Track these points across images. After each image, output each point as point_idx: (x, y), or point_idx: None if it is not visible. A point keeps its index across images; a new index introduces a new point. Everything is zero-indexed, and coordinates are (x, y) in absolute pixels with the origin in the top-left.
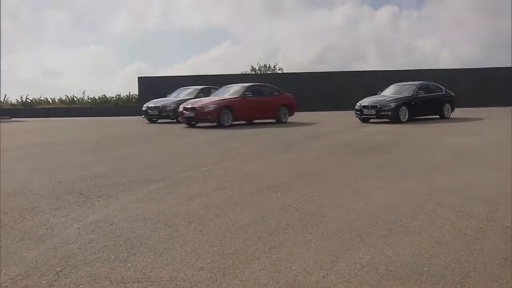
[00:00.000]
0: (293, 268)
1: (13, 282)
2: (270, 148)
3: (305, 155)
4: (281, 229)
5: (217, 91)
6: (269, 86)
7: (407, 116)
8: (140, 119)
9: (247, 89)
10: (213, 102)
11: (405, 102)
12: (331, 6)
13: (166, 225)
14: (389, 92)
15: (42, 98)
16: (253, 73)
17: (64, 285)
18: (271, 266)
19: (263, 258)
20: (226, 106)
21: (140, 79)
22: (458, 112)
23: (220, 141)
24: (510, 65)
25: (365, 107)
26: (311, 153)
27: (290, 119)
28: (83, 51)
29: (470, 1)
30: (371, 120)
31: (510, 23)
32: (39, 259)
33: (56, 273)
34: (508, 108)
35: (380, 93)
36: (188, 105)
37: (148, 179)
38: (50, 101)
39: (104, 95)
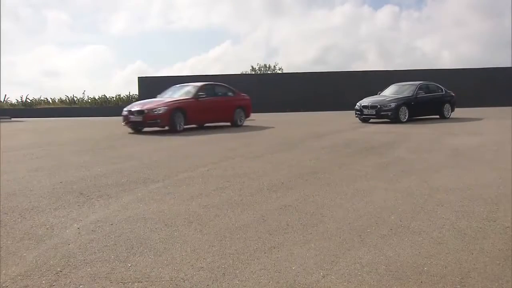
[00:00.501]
0: (293, 268)
1: (13, 282)
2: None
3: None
4: (281, 229)
5: (166, 92)
6: (223, 85)
7: (407, 116)
8: None
9: (200, 88)
10: (164, 104)
11: (405, 102)
12: (331, 6)
13: (166, 225)
14: (389, 92)
15: (42, 98)
16: (253, 73)
17: (64, 285)
18: (271, 266)
19: (263, 258)
20: (177, 108)
21: (140, 79)
22: (459, 112)
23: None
24: (510, 65)
25: (365, 107)
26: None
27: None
28: (83, 51)
29: (471, 1)
30: (371, 120)
31: (510, 23)
32: (39, 259)
33: (56, 273)
34: (508, 108)
35: (380, 93)
36: (134, 107)
37: (148, 179)
38: (50, 101)
39: (104, 95)
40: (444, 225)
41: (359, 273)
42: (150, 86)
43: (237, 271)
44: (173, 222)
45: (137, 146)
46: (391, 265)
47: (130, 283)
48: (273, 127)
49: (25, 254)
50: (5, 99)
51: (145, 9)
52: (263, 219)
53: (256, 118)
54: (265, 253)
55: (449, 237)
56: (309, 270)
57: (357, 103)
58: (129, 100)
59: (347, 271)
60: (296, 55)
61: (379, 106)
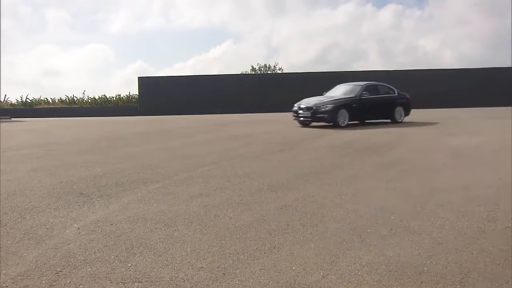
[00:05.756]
0: (293, 268)
1: (13, 282)
2: None
3: None
4: (281, 229)
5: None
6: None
7: (347, 119)
8: (141, 118)
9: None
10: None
11: (345, 104)
12: (334, 5)
13: (166, 225)
14: (335, 93)
15: (42, 98)
16: (253, 73)
17: (64, 285)
18: (271, 266)
19: (263, 258)
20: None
21: (140, 79)
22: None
23: None
24: (510, 65)
25: (301, 108)
26: None
27: None
28: (83, 51)
29: (471, 0)
30: (313, 124)
31: (510, 23)
32: (39, 259)
33: (56, 273)
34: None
35: (325, 93)
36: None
37: (148, 179)
38: (50, 101)
39: (104, 95)
40: (444, 225)
41: (359, 273)
42: (150, 86)
43: (237, 271)
44: (173, 222)
45: (137, 146)
46: (391, 265)
47: (130, 283)
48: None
49: (25, 254)
50: (5, 99)
51: (145, 9)
52: (263, 219)
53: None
54: (265, 253)
55: (449, 237)
56: (309, 270)
57: (295, 104)
58: (129, 100)
59: (347, 271)
60: (296, 55)
61: (314, 107)
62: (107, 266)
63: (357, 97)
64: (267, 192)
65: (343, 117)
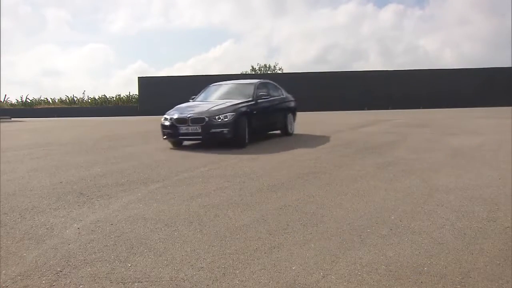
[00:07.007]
0: (293, 268)
1: (13, 282)
2: None
3: None
4: (281, 229)
5: None
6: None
7: (247, 134)
8: (141, 118)
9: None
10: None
11: (247, 111)
12: (335, 5)
13: (166, 225)
14: (215, 96)
15: (42, 98)
16: (253, 73)
17: (64, 285)
18: (271, 266)
19: (263, 258)
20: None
21: (140, 79)
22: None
23: None
24: (510, 65)
25: (180, 121)
26: None
27: None
28: (83, 50)
29: (471, 0)
30: (186, 143)
31: (510, 23)
32: (39, 259)
33: (56, 273)
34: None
35: (195, 98)
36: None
37: (148, 179)
38: (50, 101)
39: (104, 95)
40: (444, 225)
41: (359, 273)
42: (150, 86)
43: (237, 271)
44: (173, 222)
45: (137, 146)
46: (391, 265)
47: (130, 283)
48: None
49: (25, 254)
50: (5, 99)
51: (145, 9)
52: (263, 219)
53: None
54: (265, 253)
55: (449, 237)
56: (309, 270)
57: (165, 116)
58: (129, 100)
59: (347, 271)
60: (297, 55)
61: (207, 118)
62: (107, 266)
63: (253, 101)
64: (266, 192)
65: (245, 130)
